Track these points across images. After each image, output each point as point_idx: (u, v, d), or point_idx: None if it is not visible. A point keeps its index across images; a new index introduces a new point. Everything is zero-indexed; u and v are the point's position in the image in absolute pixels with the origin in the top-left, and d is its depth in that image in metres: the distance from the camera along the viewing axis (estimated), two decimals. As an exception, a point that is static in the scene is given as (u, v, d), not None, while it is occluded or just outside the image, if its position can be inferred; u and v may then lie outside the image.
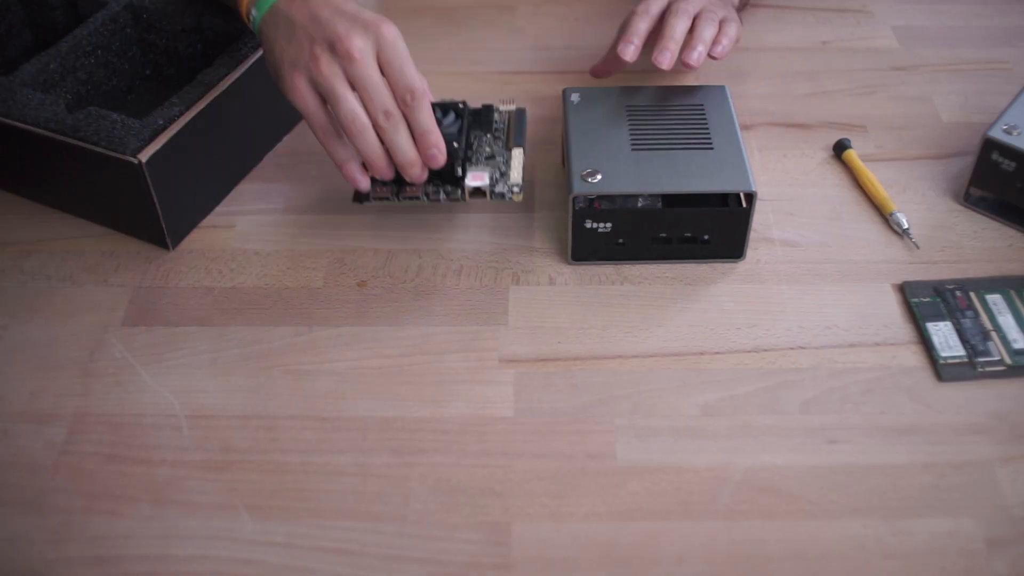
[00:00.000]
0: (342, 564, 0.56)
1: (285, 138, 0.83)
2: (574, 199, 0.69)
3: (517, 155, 0.73)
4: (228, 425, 0.63)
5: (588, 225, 0.70)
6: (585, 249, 0.72)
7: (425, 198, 0.70)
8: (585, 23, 0.96)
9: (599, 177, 0.69)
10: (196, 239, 0.75)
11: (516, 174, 0.71)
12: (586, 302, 0.70)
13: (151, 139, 0.69)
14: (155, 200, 0.70)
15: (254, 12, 0.69)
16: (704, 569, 0.55)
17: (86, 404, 0.64)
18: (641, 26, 0.79)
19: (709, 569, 0.55)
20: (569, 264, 0.72)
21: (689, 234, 0.71)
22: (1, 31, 0.84)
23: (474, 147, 0.73)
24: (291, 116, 0.84)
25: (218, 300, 0.70)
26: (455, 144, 0.69)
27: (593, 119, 0.74)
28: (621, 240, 0.71)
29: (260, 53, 0.77)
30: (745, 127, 0.83)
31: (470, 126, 0.74)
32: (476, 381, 0.65)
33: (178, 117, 0.71)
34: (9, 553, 0.56)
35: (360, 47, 0.63)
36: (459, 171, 0.70)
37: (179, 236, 0.74)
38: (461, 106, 0.73)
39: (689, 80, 0.89)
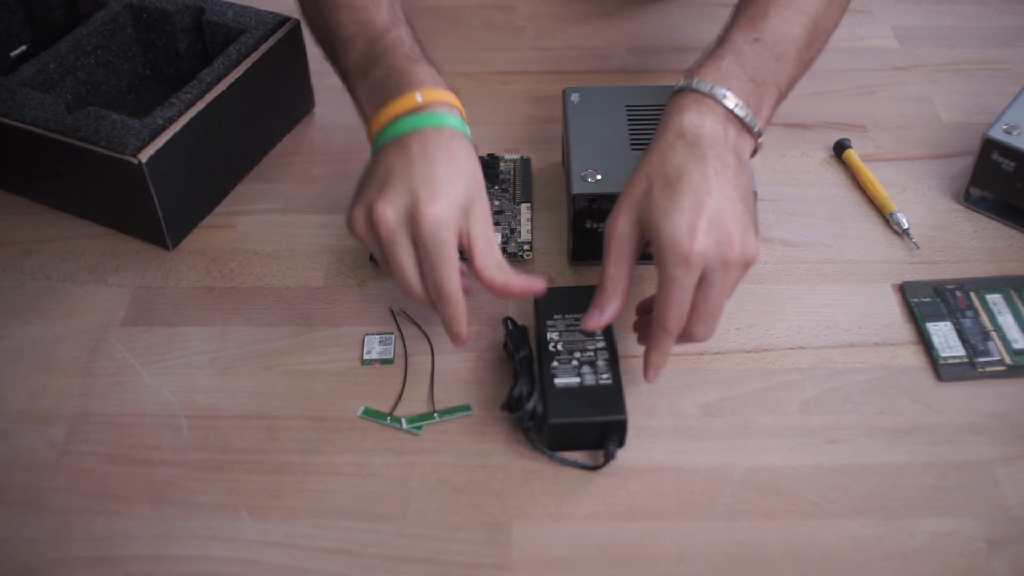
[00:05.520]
0: (342, 564, 0.56)
1: (285, 138, 0.83)
2: (574, 199, 0.69)
3: (525, 211, 0.75)
4: (228, 425, 0.63)
5: (588, 225, 0.70)
6: (585, 249, 0.72)
7: None
8: (585, 23, 0.96)
9: (599, 177, 0.69)
10: (196, 239, 0.75)
11: (526, 232, 0.73)
12: (586, 302, 0.70)
13: (151, 139, 0.69)
14: (155, 200, 0.70)
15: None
16: (704, 569, 0.55)
17: (86, 404, 0.64)
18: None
19: (709, 569, 0.55)
20: (569, 264, 0.72)
21: (689, 234, 0.71)
22: (1, 31, 0.84)
23: None
24: (291, 116, 0.84)
25: (218, 300, 0.70)
26: None
27: (593, 119, 0.74)
28: (621, 240, 0.71)
29: (260, 52, 0.77)
30: (745, 127, 0.83)
31: None
32: (476, 381, 0.65)
33: (178, 117, 0.71)
34: (9, 553, 0.56)
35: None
36: None
37: (179, 236, 0.74)
38: None
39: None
